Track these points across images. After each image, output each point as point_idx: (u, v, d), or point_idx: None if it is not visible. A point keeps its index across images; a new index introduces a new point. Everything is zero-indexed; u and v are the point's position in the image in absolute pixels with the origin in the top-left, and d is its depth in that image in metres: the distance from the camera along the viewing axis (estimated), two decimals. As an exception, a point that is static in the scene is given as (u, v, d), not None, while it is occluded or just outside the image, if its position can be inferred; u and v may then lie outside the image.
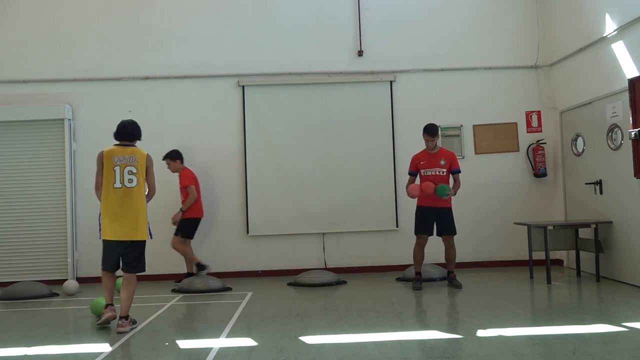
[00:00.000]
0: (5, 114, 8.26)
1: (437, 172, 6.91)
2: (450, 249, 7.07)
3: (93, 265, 8.31)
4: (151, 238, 5.51)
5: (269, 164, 8.48)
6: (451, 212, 7.04)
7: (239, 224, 8.48)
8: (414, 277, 7.11)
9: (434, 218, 6.99)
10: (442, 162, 6.93)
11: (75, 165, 8.42)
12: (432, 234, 7.06)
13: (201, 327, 5.50)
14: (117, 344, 4.78)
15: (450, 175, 7.00)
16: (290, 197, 8.46)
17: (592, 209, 7.55)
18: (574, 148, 8.03)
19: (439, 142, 8.51)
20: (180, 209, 7.69)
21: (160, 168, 7.27)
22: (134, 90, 8.56)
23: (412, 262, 7.52)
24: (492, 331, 4.80)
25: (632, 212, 6.64)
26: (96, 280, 8.23)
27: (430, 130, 6.89)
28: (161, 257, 7.97)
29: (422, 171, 6.99)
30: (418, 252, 7.06)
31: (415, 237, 7.11)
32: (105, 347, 4.69)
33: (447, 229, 6.99)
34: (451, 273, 7.12)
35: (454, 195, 6.97)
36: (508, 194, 8.57)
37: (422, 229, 7.00)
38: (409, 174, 7.14)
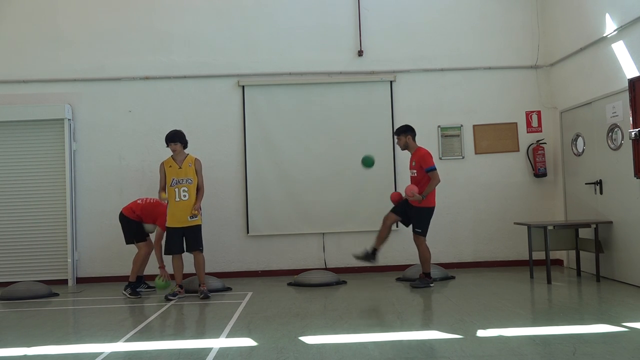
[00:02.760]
0: (5, 114, 8.25)
1: (411, 174, 7.08)
2: (417, 248, 7.04)
3: (93, 265, 8.36)
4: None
5: (269, 164, 8.48)
6: (425, 211, 6.94)
7: (239, 224, 8.48)
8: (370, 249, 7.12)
9: (409, 211, 7.02)
10: (413, 164, 7.06)
11: (75, 165, 8.43)
12: (403, 221, 7.14)
13: (201, 327, 5.50)
14: (116, 343, 4.79)
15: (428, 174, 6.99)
16: (290, 197, 8.45)
17: (592, 209, 7.55)
18: (574, 148, 8.03)
19: (436, 143, 8.55)
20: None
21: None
22: (134, 90, 8.56)
23: (412, 262, 7.56)
24: (492, 331, 4.80)
25: (633, 212, 6.64)
26: (96, 280, 8.28)
27: (395, 131, 7.21)
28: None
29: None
30: (382, 227, 7.08)
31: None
32: (105, 347, 4.69)
33: (413, 226, 7.02)
34: (421, 273, 7.10)
35: (423, 197, 6.83)
36: (508, 194, 8.56)
37: (394, 208, 7.08)
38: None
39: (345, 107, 8.56)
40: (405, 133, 7.09)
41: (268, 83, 8.58)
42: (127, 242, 7.31)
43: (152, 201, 7.26)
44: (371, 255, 7.09)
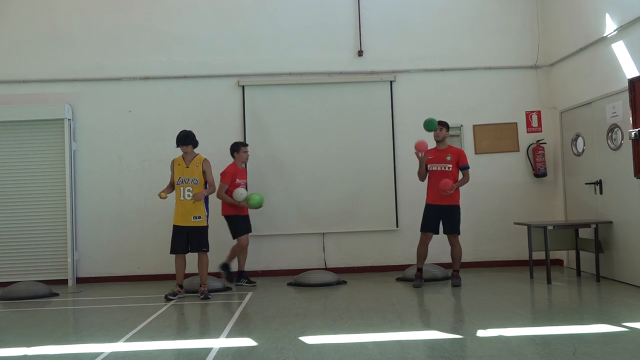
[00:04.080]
0: (5, 114, 8.25)
1: (442, 168, 7.03)
2: (452, 248, 7.14)
3: (93, 265, 8.36)
4: None
5: (269, 164, 8.47)
6: (457, 210, 7.07)
7: (239, 224, 8.47)
8: (415, 274, 7.16)
9: (440, 216, 7.05)
10: (448, 158, 7.05)
11: (75, 165, 8.42)
12: (437, 232, 7.13)
13: (201, 327, 5.50)
14: (116, 343, 4.79)
15: (460, 172, 7.08)
16: (290, 197, 8.45)
17: (592, 209, 7.55)
18: (574, 148, 8.03)
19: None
20: None
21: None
22: (134, 90, 8.55)
23: (412, 262, 7.56)
24: (492, 331, 4.80)
25: (632, 212, 6.64)
26: (96, 280, 8.28)
27: (442, 122, 7.19)
28: (162, 257, 7.93)
29: (428, 166, 7.12)
30: (420, 248, 7.16)
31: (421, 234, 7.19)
32: (105, 347, 4.69)
33: (449, 228, 7.06)
34: (454, 272, 7.14)
35: (454, 189, 6.90)
36: (508, 194, 8.56)
37: (425, 226, 7.11)
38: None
39: (345, 107, 8.56)
40: (447, 128, 7.23)
41: (268, 83, 8.58)
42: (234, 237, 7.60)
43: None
44: (418, 276, 7.18)
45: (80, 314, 6.54)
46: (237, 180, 7.47)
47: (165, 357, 4.41)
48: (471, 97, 8.66)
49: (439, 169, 7.04)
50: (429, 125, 6.94)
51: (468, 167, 7.08)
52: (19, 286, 7.39)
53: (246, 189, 7.60)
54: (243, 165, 7.74)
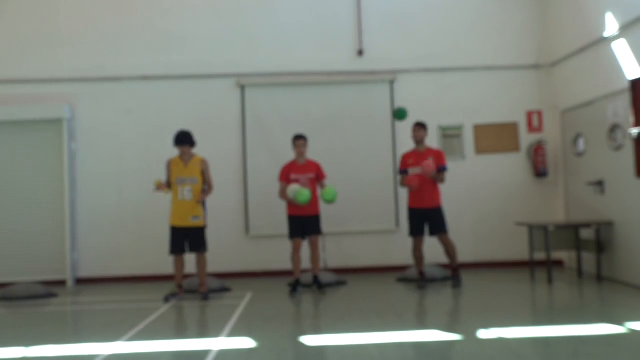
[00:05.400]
0: (4, 113, 8.22)
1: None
2: (445, 247, 7.07)
3: (92, 266, 8.34)
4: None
5: (268, 164, 8.44)
6: (440, 211, 7.01)
7: (239, 224, 8.45)
8: (418, 277, 7.16)
9: (425, 218, 7.03)
10: (430, 160, 6.98)
11: (75, 166, 8.40)
12: (425, 234, 7.11)
13: (200, 328, 5.48)
14: (116, 344, 4.77)
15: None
16: (290, 197, 8.42)
17: (593, 209, 7.52)
18: (575, 148, 8.01)
19: (437, 143, 8.54)
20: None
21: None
22: (134, 90, 8.53)
23: (412, 263, 7.53)
24: (493, 332, 4.78)
25: (634, 212, 6.61)
26: (95, 281, 8.26)
27: (422, 123, 7.15)
28: (162, 257, 7.91)
29: (409, 170, 7.08)
30: (416, 252, 7.13)
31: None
32: (105, 348, 4.67)
33: (436, 229, 7.01)
34: (453, 270, 7.12)
35: (432, 176, 6.86)
36: (509, 194, 8.54)
37: (414, 230, 7.09)
38: (400, 172, 7.27)
39: (345, 107, 8.53)
40: (426, 128, 7.15)
41: (268, 82, 8.56)
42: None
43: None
44: (421, 279, 7.18)
45: (79, 314, 6.52)
46: (293, 176, 7.10)
47: (165, 358, 4.40)
48: (472, 96, 8.63)
49: (419, 172, 6.96)
50: (399, 115, 6.76)
51: (446, 169, 7.02)
52: (17, 287, 7.36)
53: (303, 186, 6.97)
54: (303, 160, 7.18)
